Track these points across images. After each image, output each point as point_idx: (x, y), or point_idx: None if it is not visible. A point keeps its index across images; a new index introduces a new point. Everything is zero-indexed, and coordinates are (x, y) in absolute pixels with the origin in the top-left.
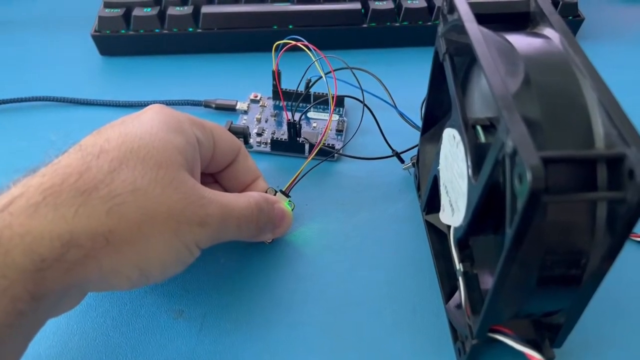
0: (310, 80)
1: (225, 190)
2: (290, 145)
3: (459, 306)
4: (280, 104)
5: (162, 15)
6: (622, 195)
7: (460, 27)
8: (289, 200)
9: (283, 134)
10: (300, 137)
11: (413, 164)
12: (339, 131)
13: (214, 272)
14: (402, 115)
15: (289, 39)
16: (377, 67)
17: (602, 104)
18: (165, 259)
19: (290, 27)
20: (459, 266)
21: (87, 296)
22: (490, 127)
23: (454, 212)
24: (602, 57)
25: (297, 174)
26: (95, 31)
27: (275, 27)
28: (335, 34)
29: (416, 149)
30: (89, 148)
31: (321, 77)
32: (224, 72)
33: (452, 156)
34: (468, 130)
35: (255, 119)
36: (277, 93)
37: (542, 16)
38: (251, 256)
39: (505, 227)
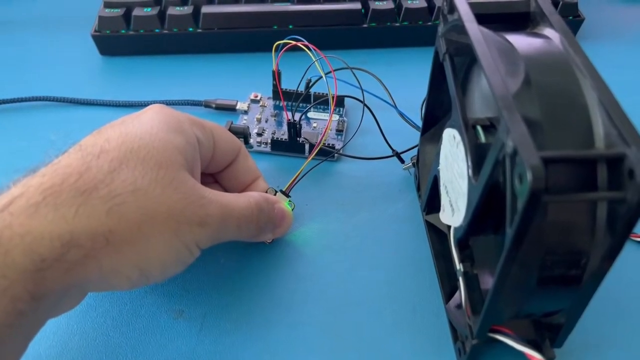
0: (310, 80)
1: (225, 190)
2: (291, 145)
3: (459, 306)
4: (281, 104)
5: (162, 15)
6: (622, 195)
7: (460, 27)
8: (289, 200)
9: (283, 134)
10: (300, 137)
11: (413, 164)
12: (339, 131)
13: (214, 272)
14: (402, 115)
15: (289, 39)
16: (377, 67)
17: (602, 104)
18: (165, 259)
19: (291, 27)
20: (459, 266)
21: (87, 296)
22: (490, 127)
23: (454, 212)
24: (602, 57)
25: (297, 174)
26: (95, 31)
27: (275, 27)
28: (336, 34)
29: (416, 149)
30: (89, 148)
31: (321, 77)
32: (224, 72)
33: (452, 156)
34: (468, 130)
35: (255, 119)
36: (277, 93)
37: (542, 16)
38: (251, 256)
39: (506, 227)
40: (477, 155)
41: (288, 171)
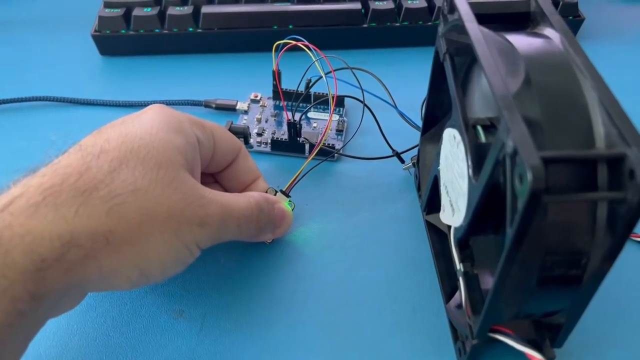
0: (310, 80)
1: (226, 190)
2: (291, 145)
3: (459, 306)
4: (281, 104)
5: (162, 15)
6: (623, 195)
7: (460, 27)
8: (289, 200)
9: (283, 134)
10: (300, 137)
11: (413, 164)
12: (339, 131)
13: (214, 272)
14: (402, 115)
15: (289, 39)
16: (377, 67)
17: (602, 103)
18: (165, 259)
19: (291, 27)
20: (459, 266)
21: (87, 296)
22: (490, 127)
23: (454, 212)
24: (603, 57)
25: (297, 174)
26: (95, 31)
27: (275, 27)
28: (336, 34)
29: (416, 149)
30: (89, 148)
31: (321, 77)
32: (224, 72)
33: (453, 156)
34: (468, 130)
35: (255, 119)
36: (278, 93)
37: (542, 16)
38: (251, 256)
39: (506, 227)
40: (477, 155)
41: (288, 171)
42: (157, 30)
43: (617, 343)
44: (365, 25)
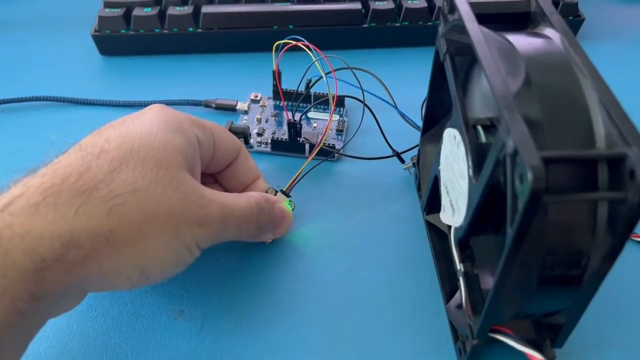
0: (310, 80)
1: (226, 190)
2: (291, 145)
3: (459, 306)
4: (281, 104)
5: (162, 15)
6: (623, 195)
7: (460, 27)
8: (290, 200)
9: (283, 134)
10: (300, 137)
11: (413, 164)
12: (339, 131)
13: (214, 272)
14: (402, 115)
15: (289, 39)
16: (378, 67)
17: (602, 103)
18: (165, 259)
19: (291, 27)
20: (459, 266)
21: (87, 296)
22: (491, 127)
23: (454, 212)
24: (603, 57)
25: (297, 174)
26: (95, 31)
27: (275, 27)
28: (336, 34)
29: (416, 149)
30: (89, 148)
31: (321, 77)
32: (224, 72)
33: (453, 156)
34: (469, 130)
35: (255, 119)
36: (278, 93)
37: (542, 16)
38: (251, 256)
39: (506, 227)
40: (477, 155)
41: (288, 171)
42: (157, 30)
43: (617, 343)
44: (365, 25)
